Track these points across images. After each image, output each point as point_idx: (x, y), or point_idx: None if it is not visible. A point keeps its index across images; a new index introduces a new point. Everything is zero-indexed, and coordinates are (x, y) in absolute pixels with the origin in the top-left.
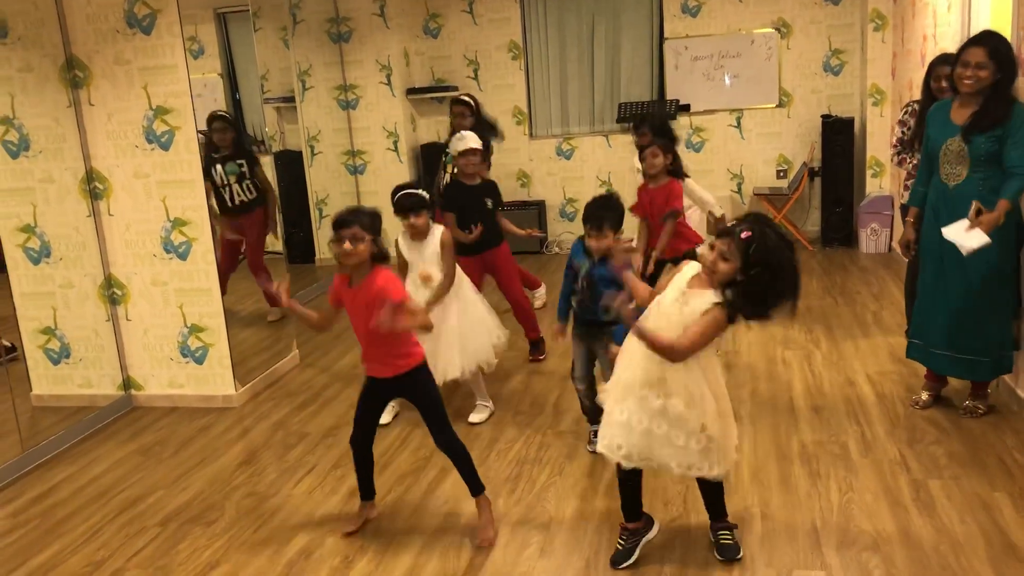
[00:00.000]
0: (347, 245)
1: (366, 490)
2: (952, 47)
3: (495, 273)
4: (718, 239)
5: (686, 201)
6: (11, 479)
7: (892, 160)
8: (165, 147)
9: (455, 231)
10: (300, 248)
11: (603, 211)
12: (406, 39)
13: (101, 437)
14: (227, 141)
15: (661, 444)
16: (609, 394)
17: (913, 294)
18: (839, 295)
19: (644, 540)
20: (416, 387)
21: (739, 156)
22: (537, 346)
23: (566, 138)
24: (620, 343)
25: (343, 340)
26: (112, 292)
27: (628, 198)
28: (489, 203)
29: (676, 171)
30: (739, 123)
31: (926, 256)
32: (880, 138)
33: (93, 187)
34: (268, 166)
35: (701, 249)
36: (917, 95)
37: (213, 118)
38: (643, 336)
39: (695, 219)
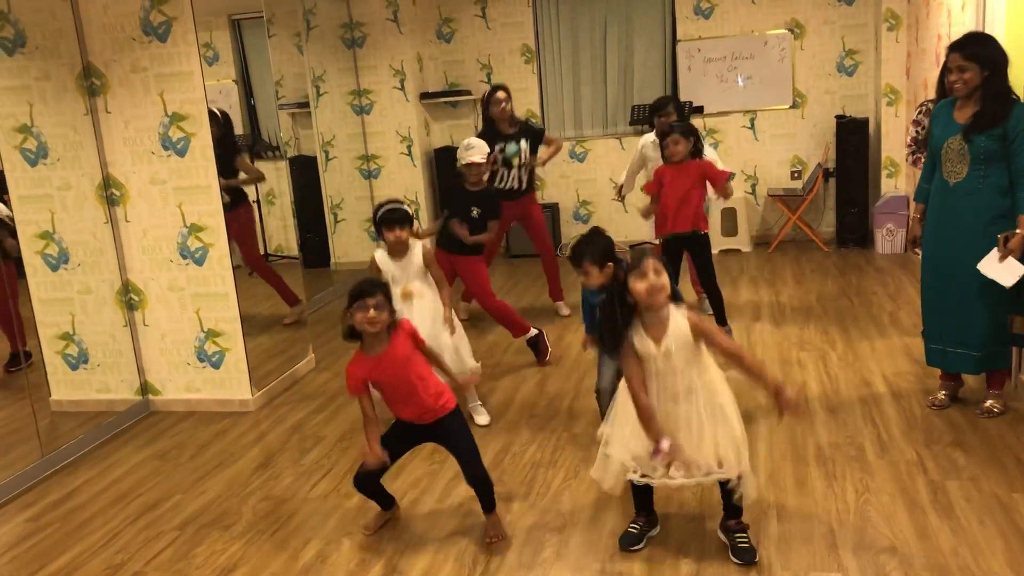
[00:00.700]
0: (372, 313)
1: (384, 504)
2: None
3: (463, 279)
4: (635, 270)
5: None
6: (31, 484)
7: (907, 159)
8: (181, 153)
9: (455, 227)
10: (315, 252)
11: (581, 247)
12: (419, 44)
13: (119, 442)
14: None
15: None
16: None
17: None
18: (855, 296)
19: (650, 534)
20: (450, 430)
21: (753, 157)
22: (536, 346)
23: (579, 141)
24: (591, 332)
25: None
26: (129, 298)
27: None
28: (475, 212)
29: (698, 152)
30: (753, 124)
31: (924, 253)
32: (895, 138)
33: (110, 194)
34: (283, 171)
35: (637, 285)
36: (932, 95)
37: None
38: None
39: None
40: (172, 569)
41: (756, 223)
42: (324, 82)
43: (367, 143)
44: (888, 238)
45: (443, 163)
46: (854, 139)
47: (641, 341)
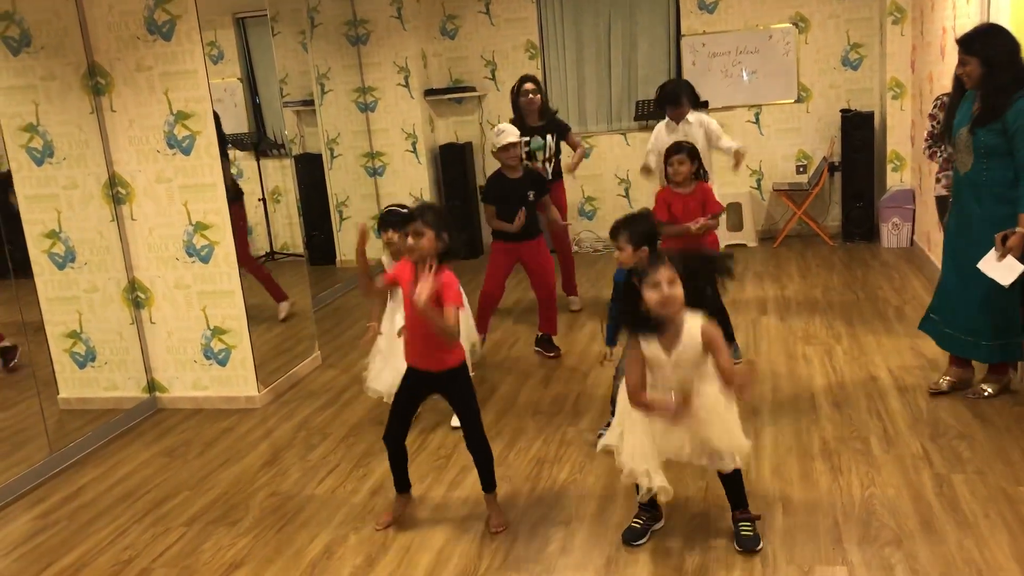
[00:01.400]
0: (409, 240)
1: (401, 483)
2: None
3: (527, 265)
4: (648, 278)
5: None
6: (39, 481)
7: (924, 153)
8: (186, 152)
9: (494, 222)
10: (321, 250)
11: (625, 222)
12: (423, 40)
13: (127, 439)
14: None
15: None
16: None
17: None
18: (860, 290)
19: (655, 527)
20: (456, 386)
21: (758, 152)
22: (550, 341)
23: (584, 137)
24: (612, 344)
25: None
26: (136, 296)
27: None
28: (531, 195)
29: (701, 173)
30: (758, 119)
31: (945, 236)
32: (900, 132)
33: (116, 192)
34: (288, 169)
35: (650, 295)
36: (937, 88)
37: None
38: (731, 379)
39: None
40: (180, 565)
41: (761, 218)
42: (328, 79)
43: (372, 140)
44: (894, 232)
45: (448, 160)
46: (859, 133)
47: (651, 347)
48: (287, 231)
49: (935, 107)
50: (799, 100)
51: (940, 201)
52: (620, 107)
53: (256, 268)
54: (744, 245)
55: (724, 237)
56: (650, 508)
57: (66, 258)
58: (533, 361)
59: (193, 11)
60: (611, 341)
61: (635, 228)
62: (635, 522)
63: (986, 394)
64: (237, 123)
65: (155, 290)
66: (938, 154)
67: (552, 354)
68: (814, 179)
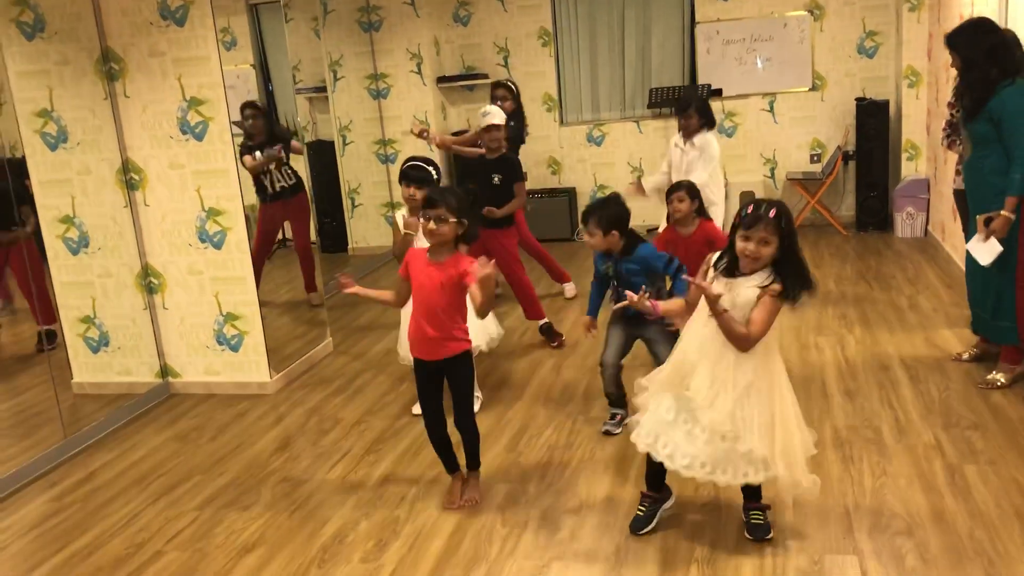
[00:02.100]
0: (432, 225)
1: (450, 465)
2: None
3: (490, 253)
4: (747, 230)
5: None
6: (54, 464)
7: (943, 143)
8: (199, 138)
9: (489, 212)
10: (333, 237)
11: (591, 209)
12: (436, 27)
13: (140, 423)
14: (259, 128)
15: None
16: (651, 391)
17: None
18: (873, 280)
19: (662, 508)
20: (457, 370)
21: (772, 140)
22: (549, 331)
23: (597, 124)
24: (592, 315)
25: (376, 328)
26: (149, 281)
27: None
28: (497, 179)
29: (702, 211)
30: (772, 107)
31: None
32: (916, 121)
33: (129, 178)
34: (301, 156)
35: (739, 243)
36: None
37: (244, 106)
38: (720, 317)
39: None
40: (192, 548)
41: None
42: (341, 66)
43: (384, 127)
44: (908, 221)
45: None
46: (874, 122)
47: (718, 283)
48: None
49: (953, 96)
50: (814, 88)
51: (958, 195)
52: (634, 95)
53: (310, 263)
54: None
55: None
56: (655, 489)
57: (80, 243)
58: (544, 350)
59: None
60: (592, 312)
61: (603, 212)
62: (639, 510)
63: (999, 384)
64: None
65: (168, 276)
66: (956, 143)
67: (555, 343)
68: (828, 168)
